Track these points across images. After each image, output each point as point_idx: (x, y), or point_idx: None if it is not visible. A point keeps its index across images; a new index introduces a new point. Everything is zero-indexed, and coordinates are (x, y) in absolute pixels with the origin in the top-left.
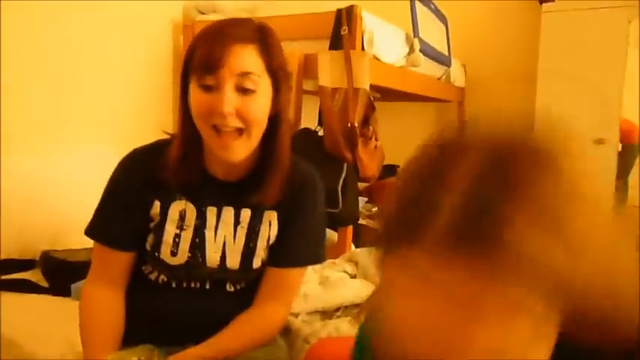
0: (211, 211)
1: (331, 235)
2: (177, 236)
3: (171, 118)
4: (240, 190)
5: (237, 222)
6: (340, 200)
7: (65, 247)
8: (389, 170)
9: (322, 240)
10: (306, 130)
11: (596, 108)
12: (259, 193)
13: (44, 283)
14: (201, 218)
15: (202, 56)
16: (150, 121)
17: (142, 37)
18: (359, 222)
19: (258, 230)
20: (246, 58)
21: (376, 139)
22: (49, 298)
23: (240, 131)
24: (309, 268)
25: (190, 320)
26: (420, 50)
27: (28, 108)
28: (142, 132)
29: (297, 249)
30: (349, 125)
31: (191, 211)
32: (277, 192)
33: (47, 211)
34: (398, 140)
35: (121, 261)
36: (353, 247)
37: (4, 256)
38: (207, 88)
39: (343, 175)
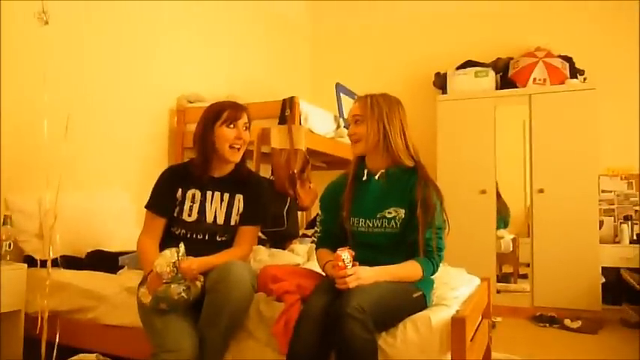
0: (209, 194)
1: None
2: (191, 207)
3: None
4: (224, 184)
5: (222, 199)
6: (285, 221)
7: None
8: None
9: (265, 213)
10: (264, 177)
11: (479, 169)
12: (232, 186)
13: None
14: (203, 197)
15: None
16: (152, 175)
17: (149, 118)
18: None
19: (233, 204)
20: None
21: (310, 182)
22: (96, 272)
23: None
24: (262, 247)
25: (196, 256)
26: (344, 127)
27: (80, 162)
28: (145, 181)
29: (252, 216)
30: (291, 173)
31: (198, 194)
32: (240, 186)
33: (89, 227)
34: None
35: (159, 223)
36: None
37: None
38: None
39: (287, 205)
